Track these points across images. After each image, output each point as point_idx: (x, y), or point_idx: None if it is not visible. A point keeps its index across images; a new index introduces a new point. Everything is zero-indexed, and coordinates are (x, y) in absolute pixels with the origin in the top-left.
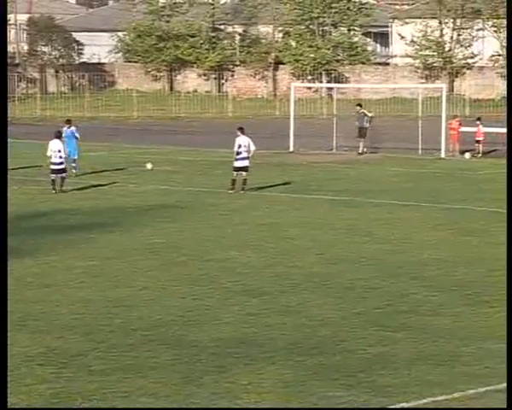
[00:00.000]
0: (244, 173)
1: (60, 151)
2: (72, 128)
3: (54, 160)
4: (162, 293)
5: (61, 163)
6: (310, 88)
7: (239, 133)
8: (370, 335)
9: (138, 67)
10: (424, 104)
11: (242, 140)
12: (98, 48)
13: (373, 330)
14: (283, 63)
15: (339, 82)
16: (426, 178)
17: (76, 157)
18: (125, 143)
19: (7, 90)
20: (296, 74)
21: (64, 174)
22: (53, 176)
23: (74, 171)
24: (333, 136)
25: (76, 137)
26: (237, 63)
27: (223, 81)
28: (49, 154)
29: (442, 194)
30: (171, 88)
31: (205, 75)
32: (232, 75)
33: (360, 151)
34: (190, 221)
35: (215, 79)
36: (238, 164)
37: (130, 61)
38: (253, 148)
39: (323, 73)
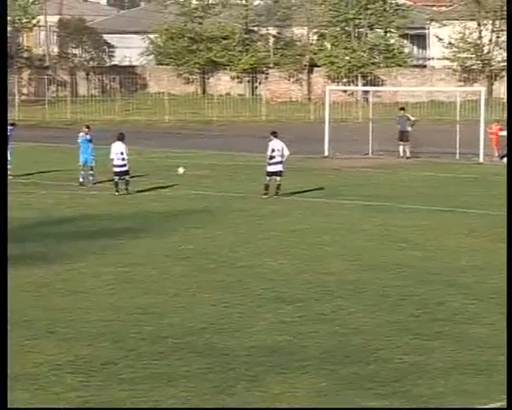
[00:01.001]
0: (278, 178)
1: (122, 153)
2: (90, 133)
3: (116, 162)
4: (193, 300)
5: (123, 165)
6: (345, 91)
7: (272, 137)
8: (406, 343)
9: (170, 70)
10: (462, 108)
11: (276, 144)
12: (129, 50)
13: (408, 339)
14: (318, 66)
15: (375, 85)
16: (462, 184)
17: (93, 164)
18: (156, 147)
19: (7, 90)
20: (331, 77)
21: (127, 176)
22: (116, 178)
23: (91, 178)
24: (368, 140)
25: (91, 143)
26: (271, 66)
27: (256, 84)
28: (111, 156)
29: (478, 199)
30: (204, 91)
31: (238, 78)
32: (266, 78)
33: (401, 155)
34: (221, 227)
35: (248, 81)
36: (271, 168)
37: (161, 64)
38: (286, 152)
39: (359, 75)
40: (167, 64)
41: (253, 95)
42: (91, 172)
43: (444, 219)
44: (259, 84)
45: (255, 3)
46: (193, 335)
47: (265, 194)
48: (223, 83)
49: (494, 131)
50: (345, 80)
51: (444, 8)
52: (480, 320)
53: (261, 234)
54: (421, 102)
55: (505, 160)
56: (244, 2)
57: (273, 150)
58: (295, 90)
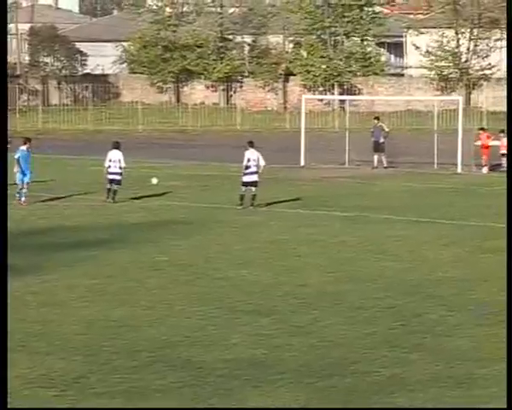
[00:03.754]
0: (253, 189)
1: (120, 161)
2: (29, 150)
3: (112, 169)
4: (168, 312)
5: (119, 173)
6: (321, 100)
7: (248, 147)
8: (384, 356)
9: (144, 79)
10: (440, 117)
11: (251, 154)
12: (102, 58)
13: (386, 352)
14: (294, 74)
15: (351, 94)
16: (441, 194)
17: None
18: (129, 157)
19: (7, 91)
20: (307, 86)
21: (118, 186)
22: (109, 185)
23: (18, 197)
24: (345, 150)
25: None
26: (246, 74)
27: (231, 93)
28: (107, 164)
29: (457, 210)
30: (178, 100)
31: (213, 87)
32: (241, 87)
33: (376, 165)
34: (197, 238)
35: (223, 90)
36: (247, 179)
37: (135, 73)
38: (262, 163)
39: (335, 84)
40: (141, 73)
41: (227, 104)
42: (25, 190)
43: (422, 230)
44: (234, 93)
45: (230, 11)
46: (168, 348)
47: (240, 205)
48: (197, 92)
49: (484, 142)
50: (321, 89)
51: (421, 17)
52: (459, 333)
53: (238, 245)
54: (398, 112)
55: (484, 170)
56: (219, 9)
57: (249, 160)
58: (271, 99)
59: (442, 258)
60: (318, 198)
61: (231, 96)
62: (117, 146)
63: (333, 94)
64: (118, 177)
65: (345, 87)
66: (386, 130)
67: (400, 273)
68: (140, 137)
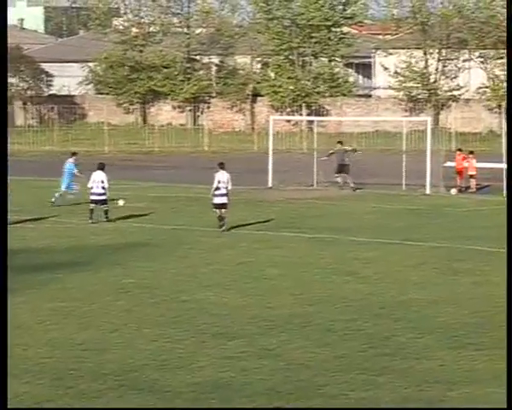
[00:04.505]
0: (223, 211)
1: (103, 182)
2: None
3: (95, 190)
4: (134, 336)
5: (103, 194)
6: (289, 121)
7: (219, 169)
8: (352, 379)
9: (110, 99)
10: (408, 138)
11: (221, 176)
12: (68, 79)
13: (355, 374)
14: (261, 95)
15: (319, 115)
16: (409, 215)
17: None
18: None
19: (6, 91)
20: (275, 107)
21: (105, 205)
22: (92, 205)
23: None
24: (313, 171)
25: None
26: (213, 95)
27: (198, 114)
28: (90, 185)
29: (426, 231)
30: (145, 121)
31: (180, 107)
32: (208, 107)
33: (341, 186)
34: (164, 260)
35: (190, 111)
36: (218, 200)
37: (101, 93)
38: (230, 186)
39: (303, 105)
40: (107, 93)
41: (195, 125)
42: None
43: (391, 252)
44: (201, 113)
45: (197, 32)
46: (134, 371)
47: (221, 226)
48: (164, 113)
49: (459, 164)
50: (289, 110)
51: (389, 37)
52: (428, 355)
53: (205, 267)
54: (366, 133)
55: (453, 191)
56: (186, 30)
57: (219, 182)
58: (238, 120)
59: (411, 280)
60: (286, 220)
61: (198, 116)
62: (101, 167)
63: (301, 115)
64: (102, 197)
65: (313, 108)
66: (350, 148)
67: (369, 295)
68: (106, 159)
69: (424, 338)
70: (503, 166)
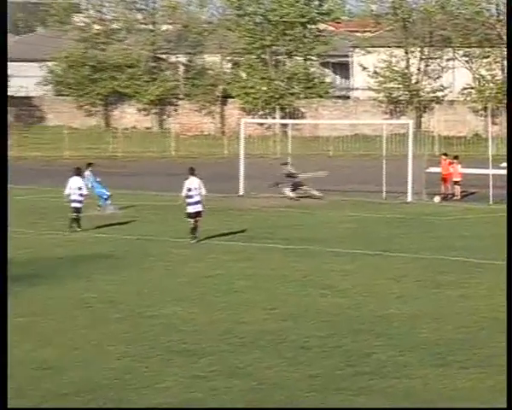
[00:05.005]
0: (198, 219)
1: (80, 189)
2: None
3: (73, 197)
4: (97, 353)
5: (79, 201)
6: (262, 124)
7: (189, 175)
8: (328, 400)
9: (70, 101)
10: (389, 142)
11: (192, 183)
12: (25, 80)
13: (331, 395)
14: (232, 97)
15: (294, 118)
16: (390, 225)
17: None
18: (55, 186)
19: (6, 91)
20: (246, 109)
21: (79, 214)
22: (74, 215)
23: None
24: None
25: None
26: (181, 97)
27: (165, 117)
28: (67, 192)
29: (407, 242)
30: (107, 124)
31: (145, 110)
32: (175, 110)
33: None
34: (128, 273)
35: (156, 114)
36: (192, 209)
37: (61, 95)
38: (204, 192)
39: (277, 107)
40: (67, 95)
41: (161, 128)
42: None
43: (370, 264)
44: (168, 116)
45: (163, 29)
46: (96, 391)
47: (194, 237)
48: (128, 115)
49: (445, 169)
50: (261, 113)
51: (368, 35)
52: (409, 373)
53: (172, 280)
54: (344, 136)
55: (436, 198)
56: (151, 27)
57: (190, 189)
58: (207, 124)
59: (391, 293)
60: (258, 229)
61: (165, 119)
62: (78, 172)
63: (274, 118)
64: (78, 204)
65: (287, 110)
66: (294, 171)
67: (346, 310)
68: (66, 164)
69: (405, 356)
70: (490, 171)
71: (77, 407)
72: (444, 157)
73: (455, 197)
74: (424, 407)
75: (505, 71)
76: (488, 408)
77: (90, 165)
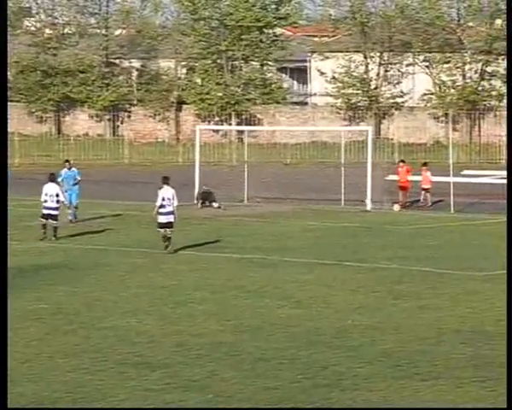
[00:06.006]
0: (168, 230)
1: (58, 195)
2: (74, 170)
3: (50, 204)
4: (47, 366)
5: (56, 208)
6: (217, 131)
7: (162, 185)
8: None
9: (20, 107)
10: (347, 149)
11: (166, 192)
12: None
13: (290, 406)
14: (187, 103)
15: (250, 124)
16: (349, 234)
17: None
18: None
19: (6, 91)
20: (202, 116)
21: (56, 222)
22: (43, 220)
23: (70, 218)
24: (244, 185)
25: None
26: (134, 103)
27: (118, 123)
28: (43, 198)
29: (367, 251)
30: (59, 131)
31: (97, 116)
32: (129, 116)
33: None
34: (80, 283)
35: (109, 120)
36: (163, 219)
37: (11, 101)
38: (175, 203)
39: (233, 113)
40: (17, 101)
41: (114, 135)
42: (73, 210)
43: (329, 274)
44: (121, 123)
45: (116, 33)
46: (46, 405)
47: (166, 247)
48: (80, 122)
49: (402, 177)
50: (217, 119)
51: (326, 39)
52: (369, 386)
53: (125, 291)
54: (302, 143)
55: (396, 207)
56: (104, 31)
57: (163, 199)
58: (162, 130)
59: (349, 304)
60: (213, 239)
61: (118, 126)
62: (53, 179)
63: (230, 124)
64: (55, 212)
65: (243, 117)
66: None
67: (304, 321)
68: (17, 172)
69: (365, 368)
70: (451, 179)
71: None
72: (401, 164)
73: (427, 205)
74: (421, 407)
75: (466, 77)
76: (488, 408)
77: (67, 162)
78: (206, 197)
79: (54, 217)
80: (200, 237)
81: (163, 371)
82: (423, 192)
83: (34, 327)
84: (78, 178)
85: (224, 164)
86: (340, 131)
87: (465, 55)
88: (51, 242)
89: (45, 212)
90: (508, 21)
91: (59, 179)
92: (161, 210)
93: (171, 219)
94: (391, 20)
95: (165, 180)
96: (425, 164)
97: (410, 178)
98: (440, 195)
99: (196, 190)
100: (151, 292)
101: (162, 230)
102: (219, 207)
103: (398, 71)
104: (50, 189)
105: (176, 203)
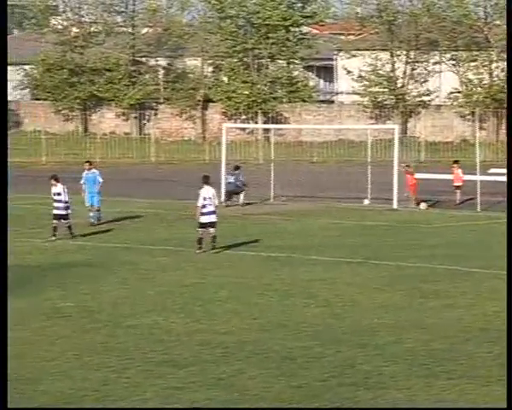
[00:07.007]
0: (212, 230)
1: (60, 194)
2: (95, 171)
3: (57, 204)
4: (73, 364)
5: (65, 208)
6: (244, 129)
7: (203, 184)
8: None
9: (48, 106)
10: (374, 148)
11: (207, 192)
12: None
13: (315, 406)
14: (213, 101)
15: (277, 122)
16: (375, 232)
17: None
18: (31, 193)
19: (6, 91)
20: (228, 114)
21: (67, 221)
22: (55, 222)
23: (92, 220)
24: (270, 184)
25: (98, 182)
26: (161, 101)
27: (144, 121)
28: (53, 199)
29: (392, 250)
30: (86, 129)
31: (124, 115)
32: (155, 115)
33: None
34: (104, 281)
35: (135, 118)
36: (204, 219)
37: (38, 99)
38: (216, 202)
39: (259, 112)
40: (44, 99)
41: (140, 134)
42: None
43: (354, 272)
44: (148, 121)
45: (143, 32)
46: (72, 404)
47: (199, 248)
48: (107, 120)
49: (410, 179)
50: (243, 117)
51: (353, 38)
52: (395, 384)
53: (150, 290)
54: (328, 142)
55: (422, 205)
56: (130, 30)
57: (204, 199)
58: (188, 129)
59: (375, 303)
60: (241, 237)
61: (144, 124)
62: (57, 178)
63: (256, 122)
64: (64, 211)
65: (269, 115)
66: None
67: (330, 320)
68: (43, 170)
69: (391, 366)
70: (478, 178)
71: None
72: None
73: (455, 203)
74: (424, 407)
75: (493, 75)
76: (488, 408)
77: (88, 163)
78: (238, 191)
79: (64, 217)
80: (225, 235)
81: (188, 369)
82: (459, 191)
83: (60, 325)
84: (100, 180)
85: (250, 162)
86: (366, 129)
87: (492, 53)
88: (75, 240)
89: (56, 212)
90: (508, 21)
91: (81, 182)
92: (203, 210)
93: (213, 218)
94: (417, 19)
95: (206, 180)
96: (456, 162)
97: (420, 176)
98: (467, 193)
99: (223, 189)
100: (176, 290)
101: (202, 230)
102: (244, 204)
103: (425, 69)
104: (55, 189)
105: (217, 202)
